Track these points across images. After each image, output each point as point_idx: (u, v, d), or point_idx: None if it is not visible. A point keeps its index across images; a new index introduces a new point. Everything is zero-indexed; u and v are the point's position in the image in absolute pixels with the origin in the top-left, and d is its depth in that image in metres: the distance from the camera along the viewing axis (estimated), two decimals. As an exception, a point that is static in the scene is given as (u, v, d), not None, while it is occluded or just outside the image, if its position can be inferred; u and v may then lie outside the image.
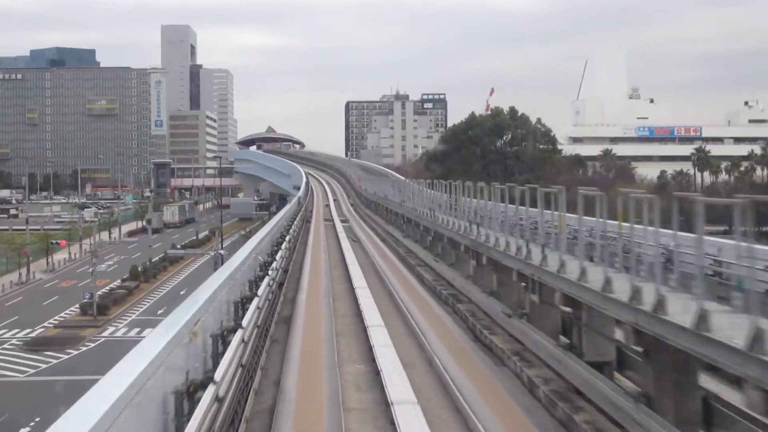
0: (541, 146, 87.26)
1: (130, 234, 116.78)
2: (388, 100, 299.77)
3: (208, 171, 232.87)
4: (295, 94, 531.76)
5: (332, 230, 56.05)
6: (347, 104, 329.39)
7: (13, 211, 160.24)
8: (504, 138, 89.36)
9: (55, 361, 49.73)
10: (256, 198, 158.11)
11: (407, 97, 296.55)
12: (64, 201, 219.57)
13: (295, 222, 48.67)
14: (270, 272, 22.93)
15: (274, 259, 26.57)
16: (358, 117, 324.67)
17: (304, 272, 34.60)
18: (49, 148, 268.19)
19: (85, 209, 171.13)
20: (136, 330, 58.51)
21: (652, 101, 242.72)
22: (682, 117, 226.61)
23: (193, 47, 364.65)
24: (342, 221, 62.45)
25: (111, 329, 59.72)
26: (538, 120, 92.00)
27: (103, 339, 56.35)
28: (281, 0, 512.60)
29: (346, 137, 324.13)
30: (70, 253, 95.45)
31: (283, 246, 31.49)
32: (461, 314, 25.17)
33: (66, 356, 51.09)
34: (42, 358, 50.37)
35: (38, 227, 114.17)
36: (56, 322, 62.18)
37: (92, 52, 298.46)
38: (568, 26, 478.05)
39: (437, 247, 37.48)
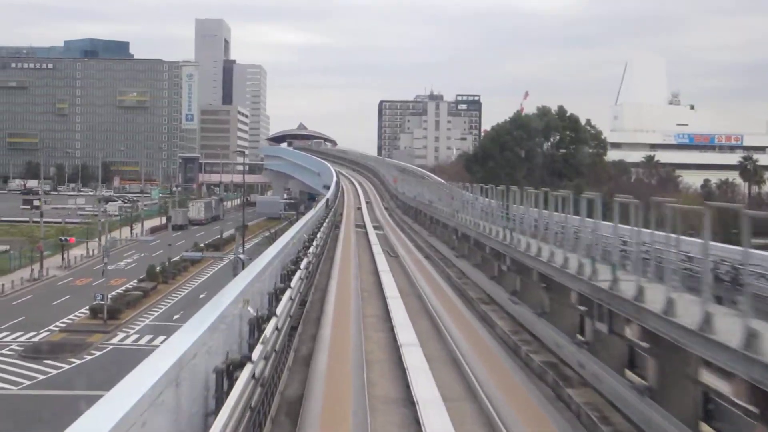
0: (590, 150, 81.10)
1: (153, 230, 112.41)
2: (422, 100, 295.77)
3: (238, 167, 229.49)
4: (328, 93, 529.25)
5: (364, 240, 48.87)
6: (380, 104, 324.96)
7: (36, 203, 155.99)
8: (552, 139, 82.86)
9: (54, 372, 44.85)
10: (286, 196, 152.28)
11: (441, 97, 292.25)
12: (90, 193, 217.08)
13: (322, 229, 40.61)
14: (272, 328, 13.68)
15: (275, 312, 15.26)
16: (392, 117, 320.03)
17: (327, 309, 24.55)
18: (79, 139, 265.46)
19: (110, 203, 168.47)
20: (148, 337, 53.68)
21: (692, 108, 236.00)
22: (723, 125, 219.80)
23: (226, 42, 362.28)
24: (375, 228, 56.18)
25: (121, 336, 54.85)
26: (588, 122, 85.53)
27: (111, 347, 51.48)
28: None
29: (379, 137, 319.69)
30: (87, 249, 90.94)
31: (297, 274, 21.22)
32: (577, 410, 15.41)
33: (67, 366, 46.23)
34: (40, 367, 45.50)
35: (59, 220, 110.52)
36: (63, 325, 57.44)
37: (126, 44, 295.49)
38: (603, 31, 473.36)
39: (512, 280, 26.09)
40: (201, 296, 66.28)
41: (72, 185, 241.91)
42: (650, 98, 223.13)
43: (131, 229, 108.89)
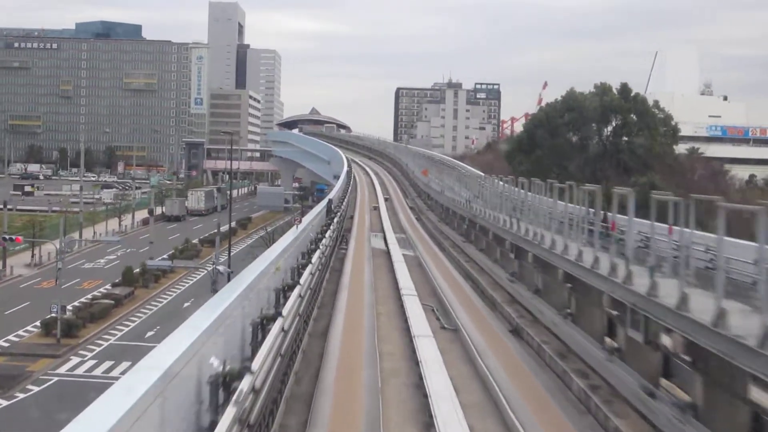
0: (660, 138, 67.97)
1: (145, 222, 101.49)
2: (440, 88, 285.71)
3: (248, 154, 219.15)
4: (343, 81, 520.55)
5: (386, 262, 33.45)
6: (397, 90, 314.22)
7: (28, 188, 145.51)
8: (612, 123, 69.85)
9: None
10: (297, 185, 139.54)
11: (460, 85, 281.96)
12: (93, 178, 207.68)
13: (316, 256, 24.10)
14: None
15: None
16: (408, 105, 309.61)
17: None
18: (83, 122, 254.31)
19: (105, 189, 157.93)
20: (108, 364, 42.64)
21: (725, 99, 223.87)
22: (758, 117, 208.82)
23: (240, 26, 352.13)
24: (399, 238, 40.50)
25: (73, 362, 43.80)
26: (656, 103, 72.06)
27: (55, 379, 40.44)
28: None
29: (395, 125, 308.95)
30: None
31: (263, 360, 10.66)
32: None
33: (-10, 409, 35.34)
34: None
35: (46, 208, 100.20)
36: (6, 344, 46.54)
37: (138, 27, 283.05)
38: (620, 23, 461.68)
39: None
40: (186, 305, 55.52)
41: (74, 170, 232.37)
42: (681, 88, 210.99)
43: (119, 221, 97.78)
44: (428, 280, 30.13)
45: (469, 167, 71.20)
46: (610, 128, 69.69)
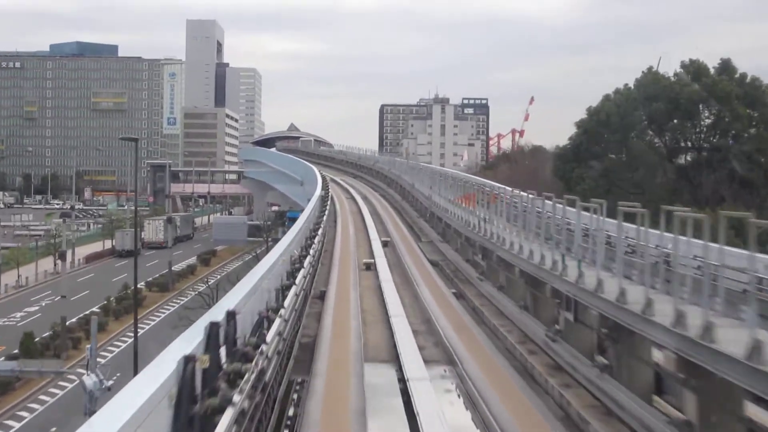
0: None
1: (88, 259, 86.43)
2: (427, 103, 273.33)
3: (226, 176, 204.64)
4: (326, 100, 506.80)
5: None
6: (382, 108, 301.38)
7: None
8: (710, 115, 51.03)
9: None
10: (275, 210, 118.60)
11: (447, 100, 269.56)
12: (57, 206, 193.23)
13: None
14: None
15: None
16: (393, 121, 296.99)
17: None
18: (49, 145, 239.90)
19: (65, 218, 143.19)
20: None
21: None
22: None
23: (219, 44, 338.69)
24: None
25: None
26: None
27: None
28: (312, 6, 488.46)
29: (380, 142, 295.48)
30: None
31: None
32: None
33: None
34: None
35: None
36: None
37: (114, 47, 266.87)
38: (603, 38, 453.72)
39: None
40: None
41: (39, 197, 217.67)
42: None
43: (54, 260, 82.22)
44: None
45: (496, 184, 46.76)
46: (703, 125, 51.18)
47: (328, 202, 58.38)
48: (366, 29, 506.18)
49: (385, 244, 42.41)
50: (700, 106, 50.14)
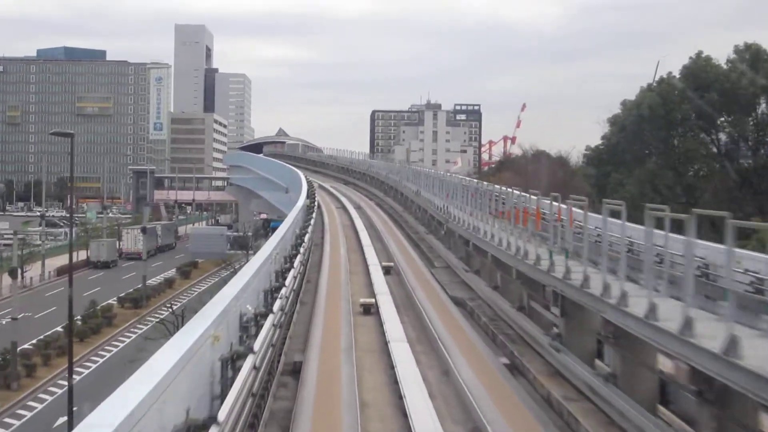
0: None
1: (59, 272, 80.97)
2: (418, 109, 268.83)
3: (214, 182, 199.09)
4: (317, 109, 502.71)
5: None
6: (373, 114, 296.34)
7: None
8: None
9: None
10: (263, 218, 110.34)
11: (439, 106, 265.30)
12: (38, 213, 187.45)
13: None
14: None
15: None
16: (385, 128, 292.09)
17: None
18: (32, 151, 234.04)
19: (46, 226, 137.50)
20: None
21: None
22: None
23: (209, 49, 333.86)
24: None
25: None
26: None
27: None
28: (303, 11, 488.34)
29: (371, 149, 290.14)
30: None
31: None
32: None
33: None
34: None
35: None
36: None
37: (103, 53, 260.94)
38: (591, 46, 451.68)
39: None
40: None
41: (21, 204, 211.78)
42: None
43: (21, 273, 76.46)
44: None
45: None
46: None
47: (314, 213, 50.44)
48: (357, 36, 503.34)
49: (387, 271, 33.43)
50: (762, 98, 44.17)
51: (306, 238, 33.90)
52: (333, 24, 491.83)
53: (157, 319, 51.40)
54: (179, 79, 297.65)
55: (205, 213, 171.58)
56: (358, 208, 66.02)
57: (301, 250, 29.42)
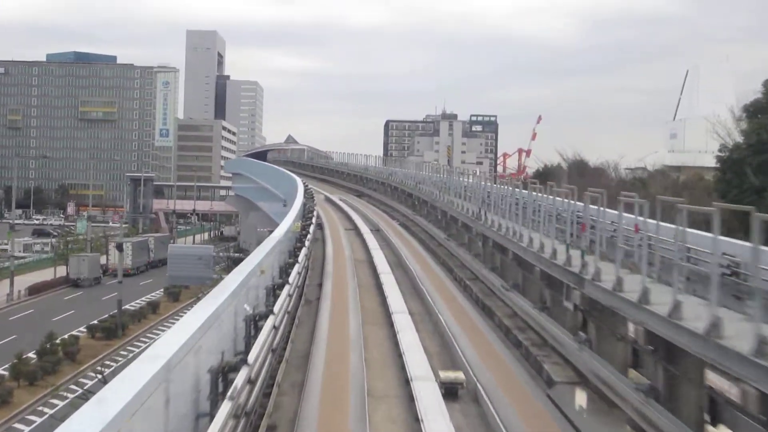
0: None
1: (32, 291, 71.93)
2: (434, 120, 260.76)
3: (217, 191, 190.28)
4: (330, 117, 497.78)
5: None
6: (387, 123, 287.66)
7: None
8: None
9: None
10: (268, 232, 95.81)
11: (455, 117, 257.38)
12: (37, 222, 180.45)
13: None
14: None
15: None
16: (399, 138, 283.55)
17: None
18: (33, 156, 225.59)
19: (37, 235, 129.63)
20: None
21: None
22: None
23: (220, 56, 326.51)
24: None
25: None
26: None
27: None
28: (318, 21, 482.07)
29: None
30: None
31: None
32: None
33: None
34: None
35: None
36: None
37: (113, 58, 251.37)
38: (605, 60, 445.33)
39: None
40: None
41: (19, 212, 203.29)
42: (718, 112, 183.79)
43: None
44: None
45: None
46: None
47: (309, 239, 34.41)
48: (371, 46, 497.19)
49: (451, 392, 17.61)
50: None
51: (279, 332, 17.46)
52: (347, 34, 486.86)
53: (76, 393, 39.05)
54: (189, 85, 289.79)
55: (207, 224, 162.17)
56: (376, 231, 51.73)
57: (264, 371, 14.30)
